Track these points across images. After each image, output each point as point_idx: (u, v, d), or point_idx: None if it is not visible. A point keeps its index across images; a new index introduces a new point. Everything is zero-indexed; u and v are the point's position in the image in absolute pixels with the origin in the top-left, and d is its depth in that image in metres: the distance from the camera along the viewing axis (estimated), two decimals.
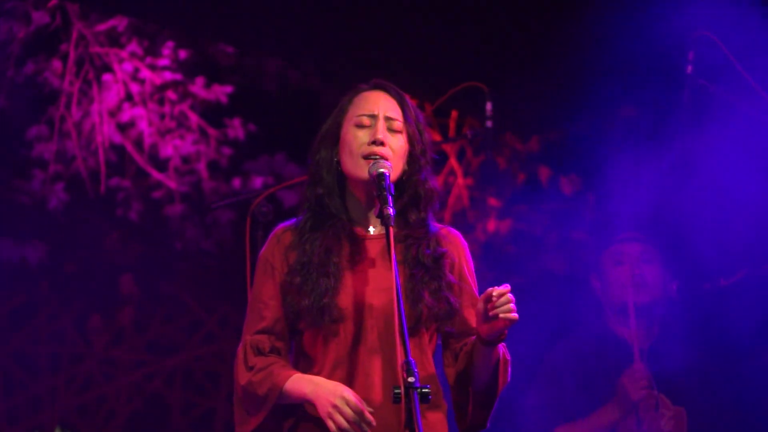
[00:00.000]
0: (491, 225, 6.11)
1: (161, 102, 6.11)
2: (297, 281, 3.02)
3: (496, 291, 2.85)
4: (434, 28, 5.49)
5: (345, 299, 3.00)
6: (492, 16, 5.43)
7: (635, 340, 4.81)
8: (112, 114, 6.02)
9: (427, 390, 2.68)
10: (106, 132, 5.96)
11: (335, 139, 3.12)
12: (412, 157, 3.11)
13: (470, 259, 3.17)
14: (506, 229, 6.11)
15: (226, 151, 6.14)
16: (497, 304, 2.85)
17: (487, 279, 3.57)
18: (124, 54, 6.02)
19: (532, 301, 4.88)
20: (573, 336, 5.09)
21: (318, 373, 3.00)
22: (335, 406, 2.88)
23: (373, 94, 3.14)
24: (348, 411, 2.87)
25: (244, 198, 4.59)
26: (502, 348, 3.00)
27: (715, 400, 4.90)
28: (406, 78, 5.44)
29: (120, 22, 6.04)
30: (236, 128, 6.14)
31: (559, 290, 5.48)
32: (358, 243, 3.08)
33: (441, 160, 5.02)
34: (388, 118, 3.09)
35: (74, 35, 5.97)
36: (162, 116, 6.09)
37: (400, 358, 2.73)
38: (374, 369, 2.98)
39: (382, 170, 2.98)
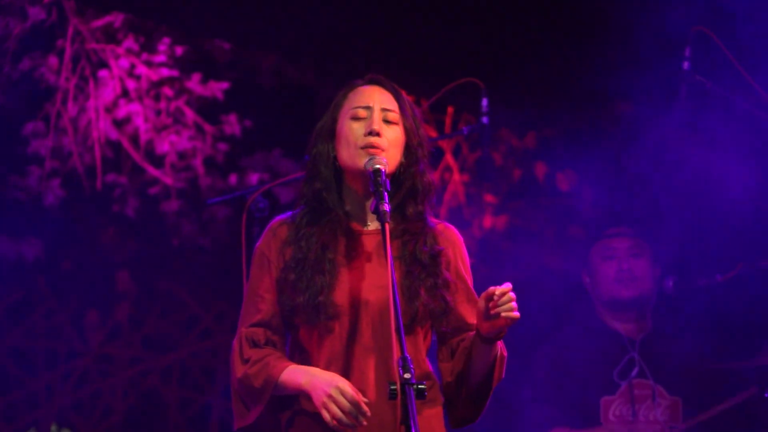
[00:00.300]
0: (487, 221, 6.11)
1: (157, 98, 6.09)
2: (292, 278, 3.01)
3: (498, 290, 2.85)
4: (430, 24, 5.49)
5: (340, 296, 3.00)
6: (488, 13, 5.43)
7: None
8: (109, 110, 6.00)
9: (422, 386, 2.67)
10: (103, 128, 5.95)
11: (332, 133, 3.12)
12: (409, 149, 3.10)
13: (466, 255, 3.17)
14: (502, 225, 6.11)
15: (223, 147, 6.13)
16: (499, 302, 2.85)
17: (482, 275, 3.58)
18: (120, 50, 6.01)
19: (527, 296, 4.89)
20: (566, 329, 5.11)
21: None
22: (330, 396, 2.87)
23: (368, 88, 3.14)
24: (343, 401, 2.87)
25: (241, 194, 4.59)
26: (500, 344, 3.00)
27: (711, 391, 4.92)
28: (402, 74, 5.43)
29: (116, 18, 6.03)
30: (232, 124, 6.13)
31: (555, 285, 5.49)
32: (354, 238, 3.07)
33: (437, 156, 5.02)
34: (384, 110, 3.08)
35: (70, 31, 5.95)
36: (158, 112, 6.08)
37: (395, 354, 2.72)
38: (369, 365, 2.98)
39: (378, 166, 2.97)
